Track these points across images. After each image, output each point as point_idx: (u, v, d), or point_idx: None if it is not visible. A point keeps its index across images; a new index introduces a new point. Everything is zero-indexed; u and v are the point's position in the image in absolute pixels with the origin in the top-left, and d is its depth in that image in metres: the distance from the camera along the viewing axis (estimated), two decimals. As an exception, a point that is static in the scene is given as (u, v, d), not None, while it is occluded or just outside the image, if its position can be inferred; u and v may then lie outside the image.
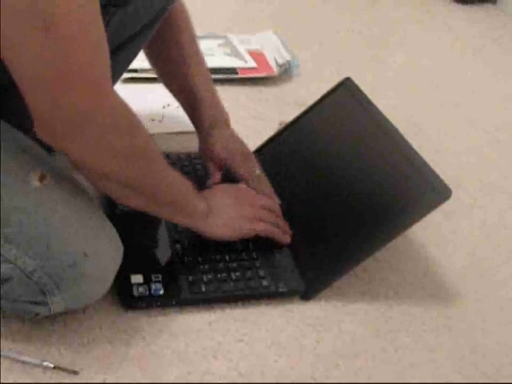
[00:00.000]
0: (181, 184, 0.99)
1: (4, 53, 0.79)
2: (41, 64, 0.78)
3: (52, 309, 0.89)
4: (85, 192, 0.96)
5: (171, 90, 1.22)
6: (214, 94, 1.21)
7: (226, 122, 1.21)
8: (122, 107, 0.86)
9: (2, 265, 0.86)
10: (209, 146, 1.18)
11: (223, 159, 1.17)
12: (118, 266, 0.93)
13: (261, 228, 1.08)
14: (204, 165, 1.22)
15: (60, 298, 0.88)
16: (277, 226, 1.10)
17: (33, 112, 0.83)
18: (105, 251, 0.91)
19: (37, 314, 0.90)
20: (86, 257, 0.88)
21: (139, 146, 0.90)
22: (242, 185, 1.14)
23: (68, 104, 0.80)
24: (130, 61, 1.14)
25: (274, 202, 1.13)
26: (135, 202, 0.96)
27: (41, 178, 0.90)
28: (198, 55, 1.22)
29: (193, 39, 1.21)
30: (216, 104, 1.21)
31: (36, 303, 0.89)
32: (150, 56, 1.22)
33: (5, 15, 0.75)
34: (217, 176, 1.17)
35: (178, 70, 1.20)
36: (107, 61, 0.83)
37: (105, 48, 0.82)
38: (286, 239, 1.10)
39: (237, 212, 1.07)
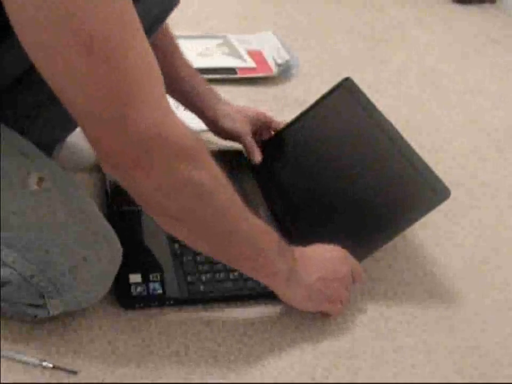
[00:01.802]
0: (260, 233, 0.88)
1: (54, 88, 0.72)
2: (91, 88, 0.70)
3: (50, 312, 0.89)
4: (83, 195, 0.95)
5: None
6: (203, 79, 1.26)
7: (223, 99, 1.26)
8: (186, 129, 0.78)
9: (1, 269, 0.86)
10: (228, 121, 1.23)
11: (246, 127, 1.23)
12: (117, 269, 0.93)
13: (337, 311, 0.99)
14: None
15: (58, 301, 0.88)
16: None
17: (96, 147, 0.76)
18: (104, 255, 0.90)
19: (36, 316, 0.90)
20: (84, 261, 0.88)
21: (206, 183, 0.80)
22: (340, 251, 0.99)
23: (133, 127, 0.73)
24: None
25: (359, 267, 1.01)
26: (203, 247, 0.88)
27: (40, 182, 0.89)
28: (178, 47, 1.23)
29: (168, 31, 1.21)
30: (207, 84, 1.26)
31: (34, 306, 0.88)
32: None
33: (45, 43, 0.68)
34: (258, 153, 1.22)
35: (166, 60, 1.21)
36: (161, 78, 0.76)
37: (156, 64, 0.75)
38: (338, 312, 1.00)
39: (322, 287, 0.95)
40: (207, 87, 1.25)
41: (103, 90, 0.71)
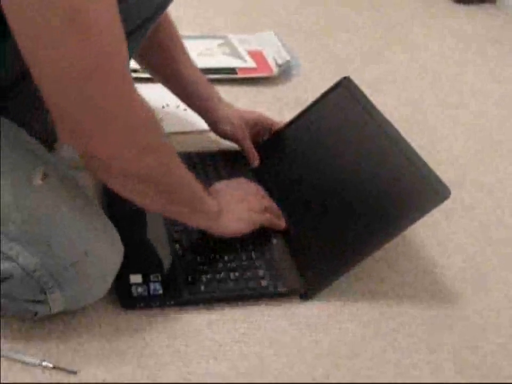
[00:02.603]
0: (196, 183, 0.99)
1: (25, 51, 0.77)
2: (67, 57, 0.75)
3: (51, 308, 0.89)
4: (86, 192, 0.96)
5: (164, 81, 1.26)
6: (206, 80, 1.27)
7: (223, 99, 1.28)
8: (143, 101, 0.85)
9: (3, 263, 0.86)
10: (227, 125, 1.25)
11: (245, 132, 1.25)
12: (119, 266, 0.93)
13: (267, 218, 1.10)
14: (203, 165, 1.22)
15: (60, 297, 0.88)
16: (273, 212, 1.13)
17: (56, 112, 0.81)
18: (106, 251, 0.91)
19: (36, 313, 0.90)
20: (87, 256, 0.88)
21: (159, 142, 0.90)
22: (241, 178, 1.16)
23: (95, 96, 0.78)
24: (129, 57, 1.14)
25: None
26: (153, 202, 0.95)
27: (44, 177, 0.90)
28: (183, 46, 1.24)
29: (175, 30, 1.23)
30: (210, 85, 1.27)
31: (35, 301, 0.89)
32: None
33: (25, 11, 0.73)
34: (256, 158, 1.25)
35: (170, 59, 1.23)
36: (127, 55, 0.82)
37: (124, 40, 0.80)
38: (283, 223, 1.12)
39: (245, 205, 1.09)
40: (209, 89, 1.26)
41: (75, 58, 0.75)
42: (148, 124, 0.87)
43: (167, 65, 1.23)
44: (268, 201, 1.13)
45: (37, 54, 0.77)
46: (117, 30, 0.78)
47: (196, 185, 0.99)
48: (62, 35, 0.74)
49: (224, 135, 1.27)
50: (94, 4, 0.74)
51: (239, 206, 1.08)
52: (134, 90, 0.83)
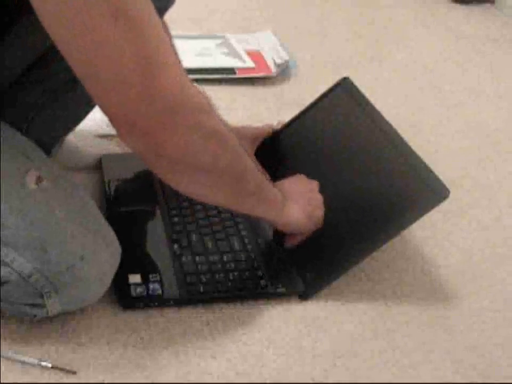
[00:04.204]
0: (260, 173, 0.97)
1: (75, 58, 0.75)
2: (118, 54, 0.73)
3: (49, 311, 0.89)
4: (82, 194, 0.96)
5: None
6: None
7: None
8: (199, 89, 0.83)
9: (1, 269, 0.86)
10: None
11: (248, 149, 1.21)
12: (116, 269, 0.93)
13: (323, 214, 1.09)
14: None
15: (57, 300, 0.88)
16: None
17: (118, 115, 0.78)
18: (102, 254, 0.91)
19: (35, 316, 0.90)
20: (83, 260, 0.88)
21: (221, 129, 0.87)
22: (300, 175, 1.14)
23: (155, 91, 0.76)
24: None
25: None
26: (220, 194, 0.93)
27: (38, 181, 0.89)
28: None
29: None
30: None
31: (33, 305, 0.89)
32: None
33: (70, 14, 0.71)
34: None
35: None
36: (174, 47, 0.81)
37: (164, 32, 0.79)
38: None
39: (307, 198, 1.08)
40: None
41: (129, 56, 0.74)
42: (209, 110, 0.85)
43: None
44: (319, 195, 1.12)
45: (89, 62, 0.74)
46: (158, 24, 0.77)
47: (261, 174, 0.97)
48: (110, 37, 0.72)
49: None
50: (132, 2, 0.73)
51: (300, 197, 1.07)
52: (189, 79, 0.81)
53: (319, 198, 1.10)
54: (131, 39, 0.73)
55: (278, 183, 1.07)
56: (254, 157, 1.22)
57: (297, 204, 1.05)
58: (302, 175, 1.14)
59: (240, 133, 1.22)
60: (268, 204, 1.00)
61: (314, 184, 1.12)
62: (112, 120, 0.79)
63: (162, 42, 0.77)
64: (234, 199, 0.95)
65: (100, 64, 0.74)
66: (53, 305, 0.89)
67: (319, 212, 1.08)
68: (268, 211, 1.01)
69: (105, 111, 0.78)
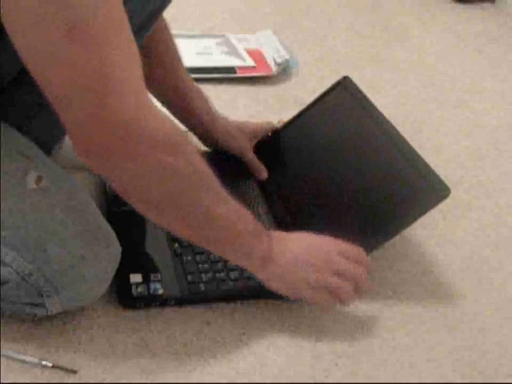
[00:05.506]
0: (237, 217, 0.88)
1: (33, 72, 0.73)
2: (71, 72, 0.71)
3: (49, 311, 0.89)
4: (82, 194, 0.95)
5: (161, 95, 1.18)
6: (198, 88, 1.21)
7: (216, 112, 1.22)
8: (164, 116, 0.79)
9: (0, 268, 0.86)
10: (228, 140, 1.20)
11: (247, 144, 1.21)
12: (116, 268, 0.93)
13: (319, 301, 0.96)
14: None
15: (57, 300, 0.88)
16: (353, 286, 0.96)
17: (73, 134, 0.76)
18: (102, 253, 0.90)
19: (35, 315, 0.90)
20: (83, 260, 0.88)
21: (185, 165, 0.81)
22: (332, 239, 0.97)
23: (111, 114, 0.73)
24: None
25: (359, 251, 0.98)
26: (184, 233, 0.89)
27: (38, 181, 0.89)
28: (180, 61, 1.19)
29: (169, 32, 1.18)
30: (206, 97, 1.21)
31: (33, 304, 0.89)
32: None
33: (26, 25, 0.69)
34: (263, 170, 1.20)
35: (168, 75, 1.17)
36: (141, 69, 0.75)
37: (137, 55, 0.75)
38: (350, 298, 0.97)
39: (301, 272, 0.93)
40: (205, 103, 1.20)
41: (82, 76, 0.71)
42: (178, 147, 0.80)
43: (165, 82, 1.17)
44: (338, 281, 0.94)
45: (43, 75, 0.73)
46: (124, 45, 0.73)
47: (236, 219, 0.88)
48: (63, 53, 0.70)
49: (225, 150, 1.23)
50: (94, 14, 0.69)
51: (291, 267, 0.92)
52: (151, 103, 0.77)
53: (321, 278, 0.93)
54: (86, 58, 0.70)
55: (281, 235, 0.96)
56: (254, 155, 1.23)
57: (281, 269, 0.92)
58: (330, 238, 0.96)
59: (239, 128, 1.23)
60: (243, 257, 0.92)
61: (331, 256, 0.94)
62: (68, 134, 0.78)
63: (123, 66, 0.73)
64: (198, 241, 0.90)
65: (53, 79, 0.73)
66: (53, 305, 0.89)
67: (306, 293, 0.94)
68: (242, 263, 0.94)
69: (63, 125, 0.77)
